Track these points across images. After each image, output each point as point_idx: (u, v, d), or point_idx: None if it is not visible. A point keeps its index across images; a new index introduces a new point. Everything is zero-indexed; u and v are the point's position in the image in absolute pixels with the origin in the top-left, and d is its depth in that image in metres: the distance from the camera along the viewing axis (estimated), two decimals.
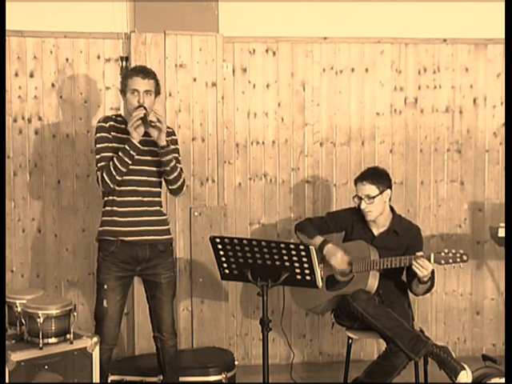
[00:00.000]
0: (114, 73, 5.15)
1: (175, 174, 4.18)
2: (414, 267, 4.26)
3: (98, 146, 4.14)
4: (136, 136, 4.01)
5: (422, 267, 4.24)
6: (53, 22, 5.06)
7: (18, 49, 5.07)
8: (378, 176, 4.54)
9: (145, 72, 4.15)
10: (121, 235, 4.13)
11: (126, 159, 4.01)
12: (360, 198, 4.52)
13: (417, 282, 4.37)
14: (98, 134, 4.16)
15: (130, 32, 5.11)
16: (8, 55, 5.02)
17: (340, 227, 4.76)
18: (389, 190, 4.55)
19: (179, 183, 4.22)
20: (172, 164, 4.14)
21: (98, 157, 4.13)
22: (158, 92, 4.22)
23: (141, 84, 4.11)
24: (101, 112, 5.13)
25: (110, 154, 4.08)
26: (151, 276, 4.23)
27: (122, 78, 4.23)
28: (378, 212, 4.53)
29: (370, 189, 4.49)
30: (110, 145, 4.12)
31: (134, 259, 4.16)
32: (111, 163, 4.03)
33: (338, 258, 4.54)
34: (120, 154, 4.02)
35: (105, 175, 4.05)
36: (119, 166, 4.01)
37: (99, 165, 4.10)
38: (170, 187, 4.25)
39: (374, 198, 4.49)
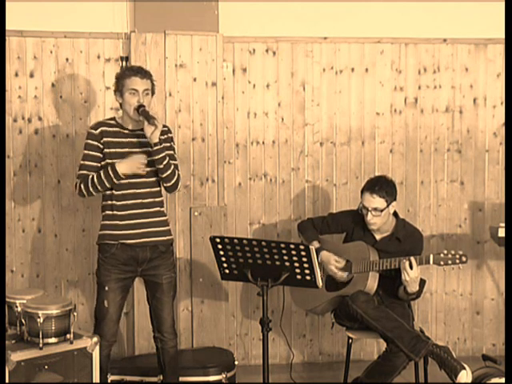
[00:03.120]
0: (114, 73, 5.05)
1: (169, 171, 4.16)
2: (401, 269, 4.26)
3: (84, 151, 4.19)
4: (123, 170, 4.05)
5: (405, 270, 4.24)
6: (53, 22, 5.06)
7: (18, 49, 5.07)
8: (387, 189, 4.47)
9: (142, 72, 4.15)
10: (121, 238, 4.14)
11: (106, 183, 4.08)
12: (367, 209, 4.49)
13: (403, 289, 4.36)
14: (86, 141, 4.20)
15: (130, 32, 5.11)
16: (8, 55, 5.02)
17: (341, 228, 4.75)
18: (395, 202, 4.52)
19: (173, 181, 4.20)
20: (165, 162, 4.13)
21: (80, 163, 4.20)
22: (153, 92, 4.22)
23: (139, 84, 4.11)
24: (101, 112, 5.13)
25: (93, 164, 4.14)
26: (152, 277, 4.24)
27: (118, 78, 4.18)
28: (382, 223, 4.51)
29: (379, 202, 4.44)
30: (96, 154, 4.15)
31: (134, 261, 4.16)
32: (90, 178, 4.09)
33: (332, 265, 4.54)
34: (102, 175, 4.07)
35: (82, 186, 4.13)
36: (97, 186, 4.10)
37: (79, 172, 4.18)
38: (164, 185, 4.23)
39: (381, 211, 4.46)
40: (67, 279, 5.24)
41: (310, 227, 4.77)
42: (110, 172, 4.05)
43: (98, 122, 4.26)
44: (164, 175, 4.16)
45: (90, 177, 4.09)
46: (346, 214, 4.80)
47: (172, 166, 4.17)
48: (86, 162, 4.16)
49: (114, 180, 4.07)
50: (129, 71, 4.18)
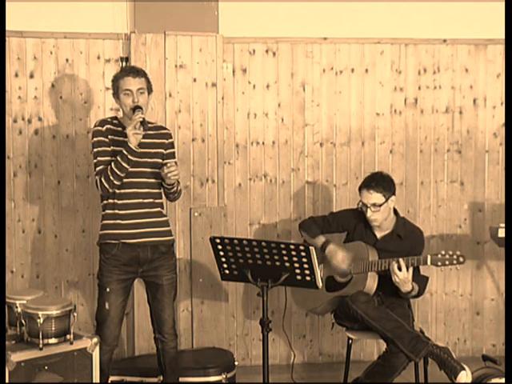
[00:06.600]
0: (114, 73, 5.14)
1: (176, 194, 4.30)
2: (390, 270, 4.28)
3: (95, 150, 4.14)
4: (133, 141, 4.00)
5: (394, 272, 4.26)
6: (53, 22, 5.06)
7: (18, 49, 5.07)
8: (383, 184, 4.50)
9: (135, 71, 4.16)
10: (123, 238, 4.12)
11: (124, 164, 4.01)
12: (366, 206, 4.51)
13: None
14: (95, 139, 4.15)
15: (130, 32, 5.11)
16: (8, 56, 5.02)
17: (342, 228, 4.76)
18: (393, 197, 4.54)
19: (176, 195, 4.33)
20: (174, 189, 4.24)
21: (95, 161, 4.13)
22: (150, 90, 4.23)
23: (132, 83, 4.11)
24: (101, 112, 5.13)
25: (108, 158, 4.09)
26: (153, 277, 4.23)
27: (113, 81, 4.20)
28: (383, 218, 4.53)
29: (377, 197, 4.46)
30: (108, 148, 4.12)
31: (135, 261, 4.15)
32: (109, 168, 4.03)
33: (339, 259, 4.55)
34: (118, 158, 4.01)
35: (103, 180, 4.05)
36: (117, 171, 4.01)
37: (97, 169, 4.10)
38: (167, 199, 4.36)
39: (380, 206, 4.48)
40: (67, 280, 5.24)
41: (313, 225, 4.77)
42: (124, 151, 4.00)
43: (102, 120, 4.25)
44: (171, 197, 4.33)
45: (109, 168, 4.03)
46: (348, 212, 4.80)
47: (179, 188, 4.27)
48: (102, 158, 4.11)
49: (130, 157, 4.00)
50: (121, 72, 4.20)
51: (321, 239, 4.66)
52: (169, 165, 4.07)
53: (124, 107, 4.14)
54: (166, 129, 4.40)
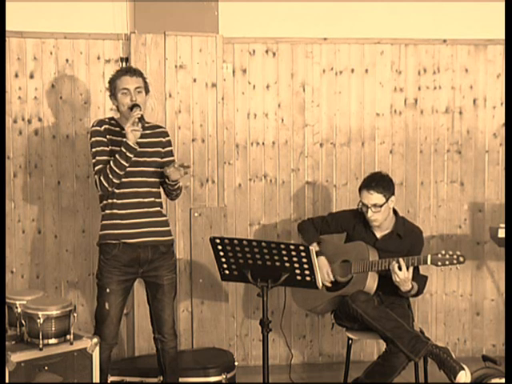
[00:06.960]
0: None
1: (179, 191, 4.29)
2: (390, 270, 4.29)
3: (93, 149, 4.14)
4: (132, 138, 4.00)
5: (394, 271, 4.28)
6: (53, 22, 5.06)
7: (18, 50, 5.07)
8: (383, 184, 4.50)
9: (132, 70, 4.18)
10: (123, 238, 4.12)
11: (123, 162, 4.01)
12: (366, 207, 4.51)
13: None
14: (93, 139, 4.16)
15: (130, 33, 5.11)
16: (8, 56, 5.02)
17: (341, 228, 4.76)
18: (393, 197, 4.54)
19: (179, 191, 4.31)
20: (178, 185, 4.23)
21: (94, 161, 4.13)
22: (147, 90, 4.23)
23: (130, 82, 4.12)
24: (101, 113, 5.13)
25: (107, 158, 4.09)
26: (153, 278, 4.23)
27: (110, 82, 4.20)
28: (383, 218, 4.53)
29: (377, 198, 4.47)
30: (106, 148, 4.12)
31: (136, 261, 4.15)
32: (108, 166, 4.03)
33: (324, 273, 4.55)
34: (116, 156, 4.02)
35: (102, 179, 4.05)
36: (116, 169, 4.01)
37: (96, 168, 4.10)
38: (169, 197, 4.37)
39: (381, 206, 4.48)
40: (67, 280, 5.24)
41: (310, 227, 4.77)
42: (123, 149, 4.00)
43: (100, 120, 4.25)
44: (172, 195, 4.31)
45: (108, 166, 4.03)
46: (347, 213, 4.80)
47: (180, 186, 4.26)
48: (100, 158, 4.11)
49: (129, 154, 4.00)
50: (118, 72, 4.22)
51: (314, 248, 4.63)
52: (176, 165, 4.08)
53: (122, 106, 4.15)
54: (162, 127, 4.40)
